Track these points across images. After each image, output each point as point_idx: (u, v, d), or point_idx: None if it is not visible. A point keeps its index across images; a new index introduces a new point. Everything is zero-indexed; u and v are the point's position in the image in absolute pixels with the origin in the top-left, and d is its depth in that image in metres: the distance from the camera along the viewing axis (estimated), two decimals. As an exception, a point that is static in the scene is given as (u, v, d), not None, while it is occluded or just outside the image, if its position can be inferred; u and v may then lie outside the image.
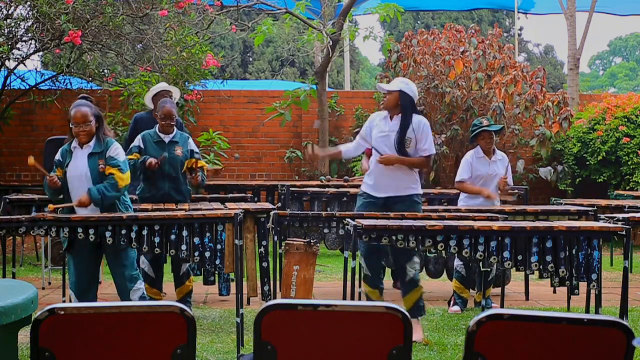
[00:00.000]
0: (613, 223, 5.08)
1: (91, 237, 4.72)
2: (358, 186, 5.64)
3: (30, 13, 8.46)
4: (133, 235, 4.74)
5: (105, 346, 2.19)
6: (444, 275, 6.89)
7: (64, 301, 6.01)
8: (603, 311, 4.83)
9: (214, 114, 11.55)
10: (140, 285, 4.95)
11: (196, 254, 4.82)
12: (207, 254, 4.82)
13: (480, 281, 6.08)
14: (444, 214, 5.64)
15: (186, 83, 9.80)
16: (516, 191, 7.90)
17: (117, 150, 4.89)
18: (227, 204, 6.07)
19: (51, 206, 4.89)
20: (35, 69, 10.45)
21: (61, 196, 4.91)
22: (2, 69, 9.27)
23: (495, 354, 2.11)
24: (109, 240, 4.72)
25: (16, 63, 9.46)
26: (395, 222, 4.83)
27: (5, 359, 2.80)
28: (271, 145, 11.62)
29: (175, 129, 5.89)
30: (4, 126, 10.40)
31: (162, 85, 6.87)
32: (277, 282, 5.99)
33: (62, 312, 2.12)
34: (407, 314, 2.16)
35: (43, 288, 6.96)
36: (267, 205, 6.23)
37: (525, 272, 4.89)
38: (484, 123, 6.42)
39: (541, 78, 10.63)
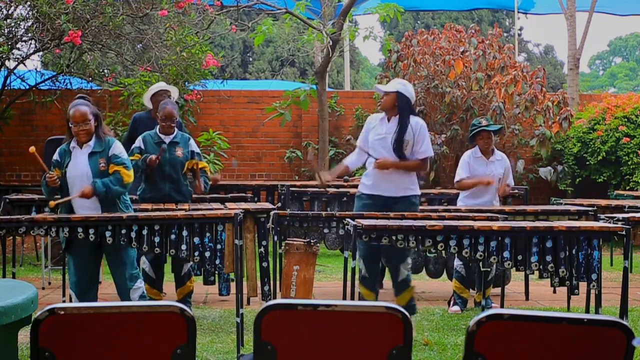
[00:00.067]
0: (613, 223, 5.08)
1: (91, 237, 4.72)
2: (350, 169, 5.62)
3: (30, 13, 8.47)
4: (133, 235, 4.74)
5: (105, 346, 2.19)
6: (444, 275, 6.89)
7: (64, 301, 6.01)
8: (603, 311, 4.83)
9: (214, 114, 11.55)
10: (141, 284, 4.96)
11: (196, 253, 4.82)
12: (207, 254, 4.82)
13: (480, 281, 6.08)
14: (444, 214, 5.64)
15: (186, 83, 9.80)
16: (516, 191, 7.91)
17: (119, 149, 4.93)
18: (227, 204, 6.07)
19: (52, 203, 4.88)
20: (35, 69, 10.46)
21: (58, 195, 4.91)
22: (2, 69, 9.27)
23: (495, 354, 2.11)
24: (109, 240, 4.72)
25: (16, 63, 9.47)
26: (395, 222, 4.83)
27: (5, 359, 2.80)
28: (271, 145, 11.62)
29: (176, 129, 5.89)
30: (4, 126, 10.40)
31: (161, 85, 6.87)
32: (277, 282, 5.99)
33: (62, 312, 2.12)
34: (407, 314, 2.17)
35: (43, 288, 6.96)
36: (267, 205, 6.22)
37: (525, 272, 4.89)
38: (483, 123, 6.42)
39: (541, 78, 10.63)
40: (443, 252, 4.77)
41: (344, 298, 5.12)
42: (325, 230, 5.83)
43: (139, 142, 5.83)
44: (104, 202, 4.84)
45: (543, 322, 2.11)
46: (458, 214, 5.69)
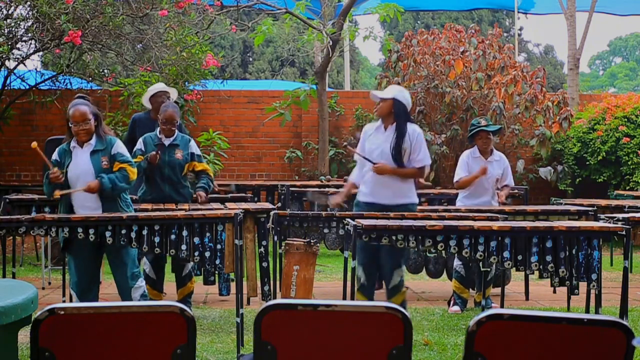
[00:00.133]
0: (613, 223, 5.08)
1: (91, 237, 4.72)
2: (358, 186, 5.62)
3: (30, 13, 8.47)
4: (133, 235, 4.74)
5: (105, 346, 2.19)
6: (444, 275, 6.89)
7: (64, 301, 6.01)
8: (603, 311, 4.84)
9: (214, 114, 11.55)
10: (142, 283, 4.96)
11: (196, 253, 4.83)
12: (207, 254, 4.82)
13: (480, 281, 6.08)
14: (444, 214, 5.64)
15: (186, 83, 9.80)
16: (516, 191, 7.91)
17: (123, 147, 4.98)
18: (227, 204, 6.07)
19: (58, 192, 4.87)
20: (35, 69, 10.46)
21: (58, 196, 4.91)
22: (2, 69, 9.27)
23: (495, 354, 2.11)
24: (109, 240, 4.72)
25: (16, 63, 9.47)
26: (395, 222, 4.83)
27: (5, 359, 2.80)
28: (271, 145, 11.62)
29: (176, 132, 5.90)
30: (4, 126, 10.40)
31: (160, 86, 6.86)
32: (277, 282, 5.99)
33: (62, 312, 2.12)
34: (407, 314, 2.17)
35: (43, 288, 6.96)
36: (267, 205, 6.22)
37: (525, 272, 4.89)
38: (482, 123, 6.42)
39: (541, 78, 10.64)
40: (443, 252, 4.77)
41: (344, 298, 5.11)
42: (325, 230, 5.83)
43: (140, 145, 5.83)
44: (106, 199, 4.84)
45: (543, 322, 2.11)
46: (458, 214, 5.69)
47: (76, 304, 2.49)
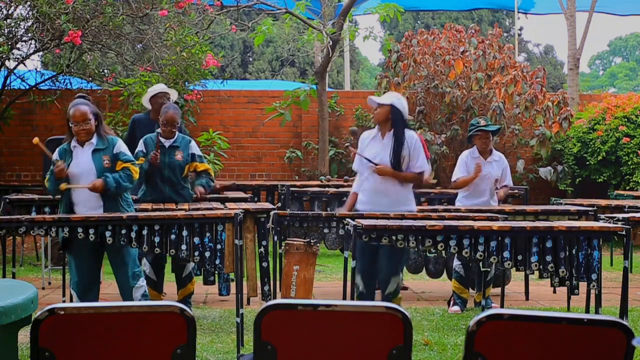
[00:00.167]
0: (613, 223, 5.08)
1: (91, 237, 4.72)
2: None
3: (30, 13, 8.47)
4: (133, 235, 4.74)
5: (105, 346, 2.19)
6: (444, 275, 6.89)
7: (64, 301, 6.00)
8: (603, 311, 4.84)
9: (214, 114, 11.56)
10: (143, 282, 4.97)
11: (196, 253, 4.83)
12: (207, 254, 4.82)
13: (480, 281, 6.08)
14: (444, 214, 5.64)
15: (186, 83, 9.80)
16: (516, 191, 7.91)
17: (124, 147, 4.99)
18: (227, 204, 6.07)
19: (63, 185, 4.86)
20: (35, 69, 10.46)
21: (59, 196, 4.90)
22: (2, 69, 9.27)
23: (495, 354, 2.11)
24: (109, 240, 4.72)
25: (16, 63, 9.47)
26: (395, 222, 4.83)
27: (5, 359, 2.80)
28: (271, 145, 11.62)
29: (177, 133, 5.89)
30: (4, 126, 10.40)
31: (160, 87, 6.86)
32: (277, 282, 5.99)
33: (62, 312, 2.12)
34: (407, 314, 2.17)
35: (43, 288, 6.95)
36: (267, 205, 6.22)
37: (525, 272, 4.89)
38: (481, 123, 6.42)
39: (541, 78, 10.64)
40: (443, 252, 4.77)
41: (344, 298, 5.11)
42: (325, 230, 5.83)
43: (141, 146, 5.83)
44: (108, 198, 4.84)
45: (543, 322, 2.11)
46: (458, 214, 5.69)
47: (76, 304, 2.49)
